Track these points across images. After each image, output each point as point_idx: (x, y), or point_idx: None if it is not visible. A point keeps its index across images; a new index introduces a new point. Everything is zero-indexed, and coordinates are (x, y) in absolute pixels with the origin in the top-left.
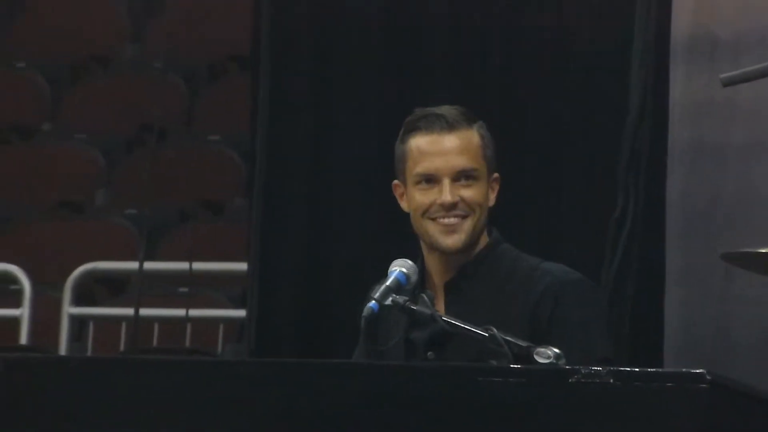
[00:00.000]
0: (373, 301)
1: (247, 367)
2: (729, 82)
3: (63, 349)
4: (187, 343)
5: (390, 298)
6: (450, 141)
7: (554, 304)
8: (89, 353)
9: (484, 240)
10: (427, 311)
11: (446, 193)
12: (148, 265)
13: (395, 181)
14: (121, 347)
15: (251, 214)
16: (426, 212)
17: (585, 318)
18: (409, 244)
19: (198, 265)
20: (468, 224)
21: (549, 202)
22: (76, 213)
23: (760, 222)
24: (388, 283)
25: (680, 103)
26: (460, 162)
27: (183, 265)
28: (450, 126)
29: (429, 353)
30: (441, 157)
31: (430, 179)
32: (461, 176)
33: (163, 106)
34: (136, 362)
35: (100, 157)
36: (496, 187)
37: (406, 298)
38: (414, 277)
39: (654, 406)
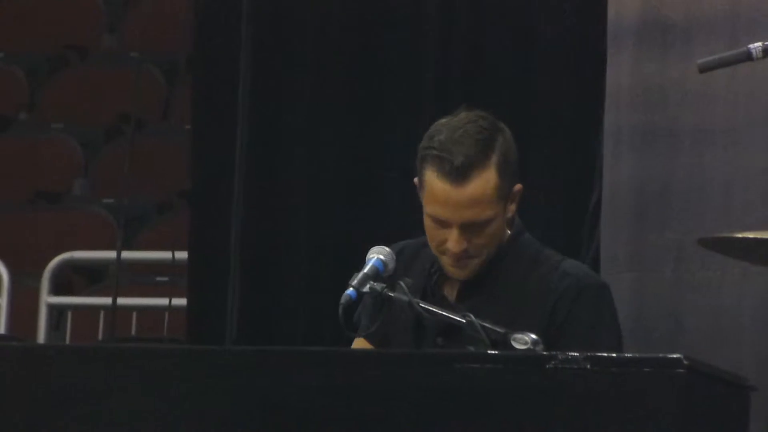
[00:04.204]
0: (351, 289)
1: (227, 354)
2: (705, 68)
3: (41, 338)
4: (165, 332)
5: (368, 285)
6: (462, 193)
7: (570, 306)
8: (67, 342)
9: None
10: (405, 298)
11: (454, 243)
12: (126, 255)
13: (415, 179)
14: (100, 336)
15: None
16: (436, 246)
17: (597, 323)
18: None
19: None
20: (476, 262)
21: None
22: (53, 203)
23: (710, 206)
24: (365, 270)
25: (630, 87)
26: (471, 214)
27: (160, 255)
28: (464, 176)
29: (438, 339)
30: (451, 209)
31: (440, 222)
32: (471, 225)
33: (141, 96)
34: (115, 351)
35: (78, 147)
36: (518, 197)
37: (384, 285)
38: (391, 265)
39: (631, 391)
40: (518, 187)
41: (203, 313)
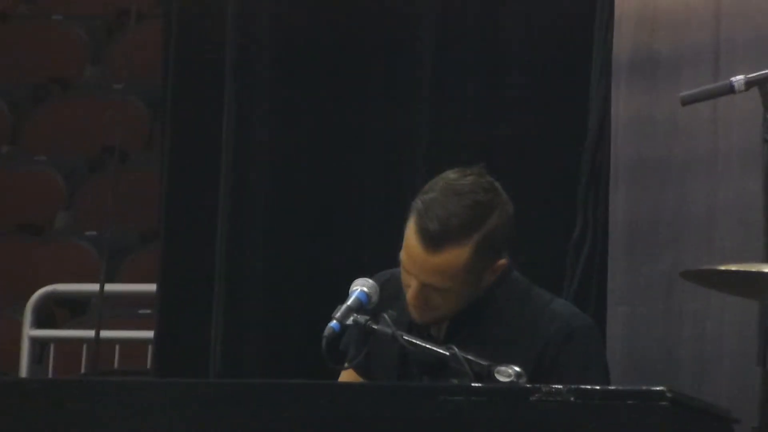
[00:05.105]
0: (334, 321)
1: (211, 388)
2: (688, 101)
3: (24, 372)
4: (148, 364)
5: (351, 318)
6: (429, 260)
7: (559, 348)
8: (50, 375)
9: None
10: (388, 331)
11: (411, 295)
12: (109, 287)
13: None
14: (82, 369)
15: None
16: (404, 285)
17: (586, 364)
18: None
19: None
20: (435, 314)
21: None
22: (36, 235)
23: (696, 237)
24: (349, 302)
25: (624, 120)
26: (432, 280)
27: (143, 287)
28: (436, 245)
29: (424, 377)
30: (416, 267)
31: (406, 270)
32: (431, 287)
33: (124, 128)
34: (97, 384)
35: (61, 179)
36: (500, 270)
37: (368, 317)
38: (375, 297)
39: (614, 423)
40: (502, 262)
41: (173, 346)
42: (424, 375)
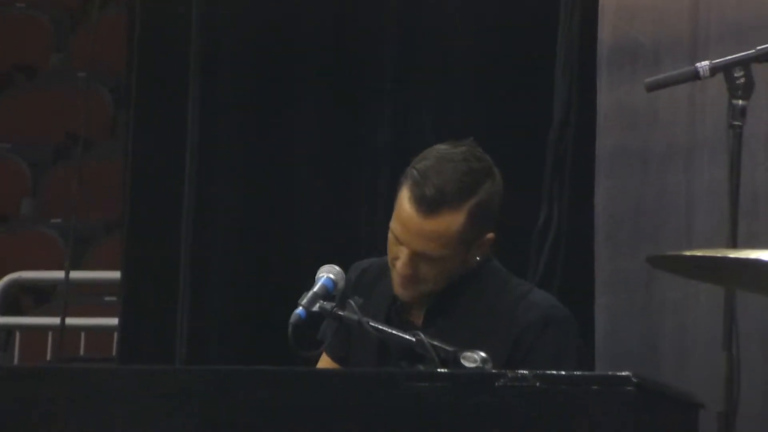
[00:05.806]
0: (300, 308)
1: (176, 375)
2: (652, 87)
3: None
4: (114, 352)
5: (317, 305)
6: (424, 225)
7: (534, 338)
8: (16, 363)
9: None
10: (354, 317)
11: (401, 265)
12: (74, 275)
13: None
14: (48, 357)
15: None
16: (390, 260)
17: (560, 354)
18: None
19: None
20: (421, 289)
21: None
22: (1, 223)
23: (676, 227)
24: (315, 289)
25: (605, 110)
26: (425, 247)
27: (108, 274)
28: (431, 209)
29: (402, 363)
30: (409, 234)
31: (398, 240)
32: (423, 256)
33: (89, 116)
34: (63, 371)
35: (26, 167)
36: (487, 244)
37: (334, 304)
38: (341, 283)
39: (580, 409)
40: (490, 235)
41: (138, 333)
42: (403, 360)
